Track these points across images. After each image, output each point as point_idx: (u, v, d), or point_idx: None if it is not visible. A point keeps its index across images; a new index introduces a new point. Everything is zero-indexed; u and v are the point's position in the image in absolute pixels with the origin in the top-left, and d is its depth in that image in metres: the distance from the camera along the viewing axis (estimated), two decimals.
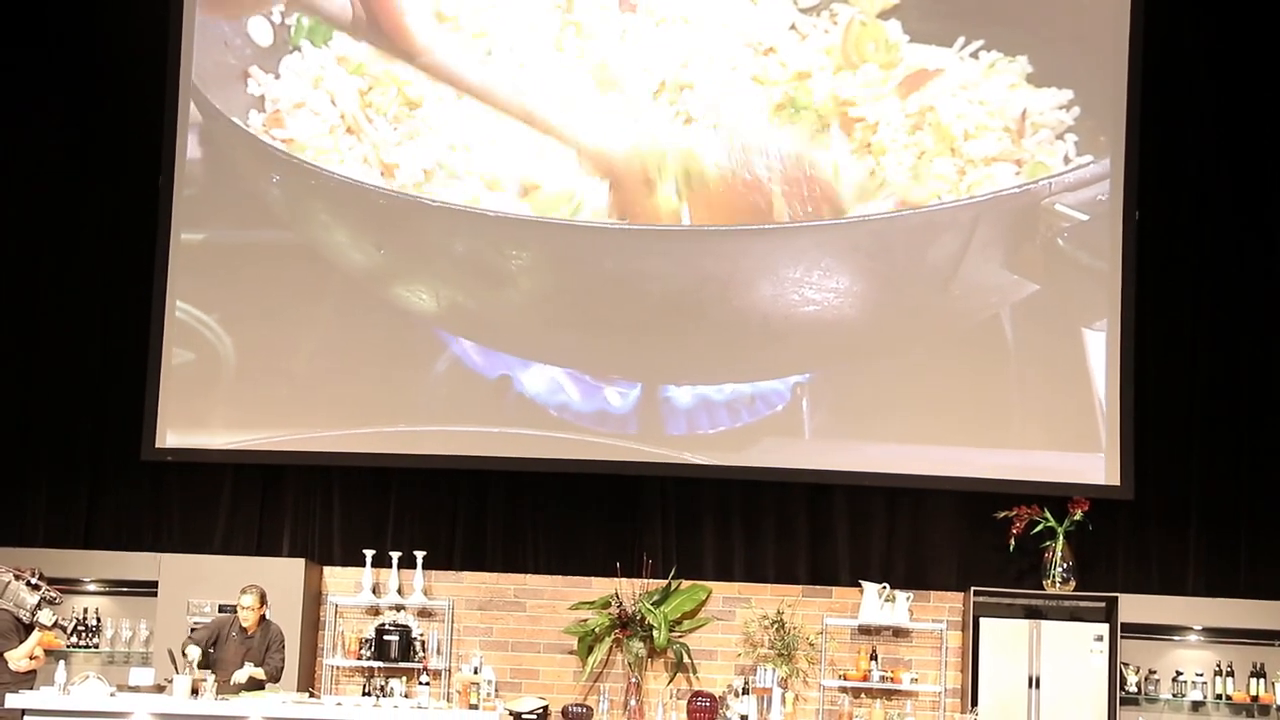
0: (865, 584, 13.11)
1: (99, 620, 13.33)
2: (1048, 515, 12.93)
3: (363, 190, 13.28)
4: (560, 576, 13.39)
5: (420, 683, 12.62)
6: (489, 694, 12.25)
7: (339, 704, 11.36)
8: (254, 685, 11.57)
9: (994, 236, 12.96)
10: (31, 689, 11.17)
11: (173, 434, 13.34)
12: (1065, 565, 12.91)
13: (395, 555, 13.24)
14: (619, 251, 13.18)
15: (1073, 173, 13.01)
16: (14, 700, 10.93)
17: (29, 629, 11.39)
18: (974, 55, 13.07)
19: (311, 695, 11.97)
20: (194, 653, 11.42)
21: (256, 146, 13.42)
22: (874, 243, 12.99)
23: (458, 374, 13.33)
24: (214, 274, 13.45)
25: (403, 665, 13.01)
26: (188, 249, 13.42)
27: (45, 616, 11.33)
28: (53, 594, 11.43)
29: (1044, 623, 12.77)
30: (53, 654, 11.88)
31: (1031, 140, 13.04)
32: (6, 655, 11.36)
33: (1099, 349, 13.01)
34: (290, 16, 13.40)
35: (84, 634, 13.23)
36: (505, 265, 13.21)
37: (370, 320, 13.34)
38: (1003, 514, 12.96)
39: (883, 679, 12.97)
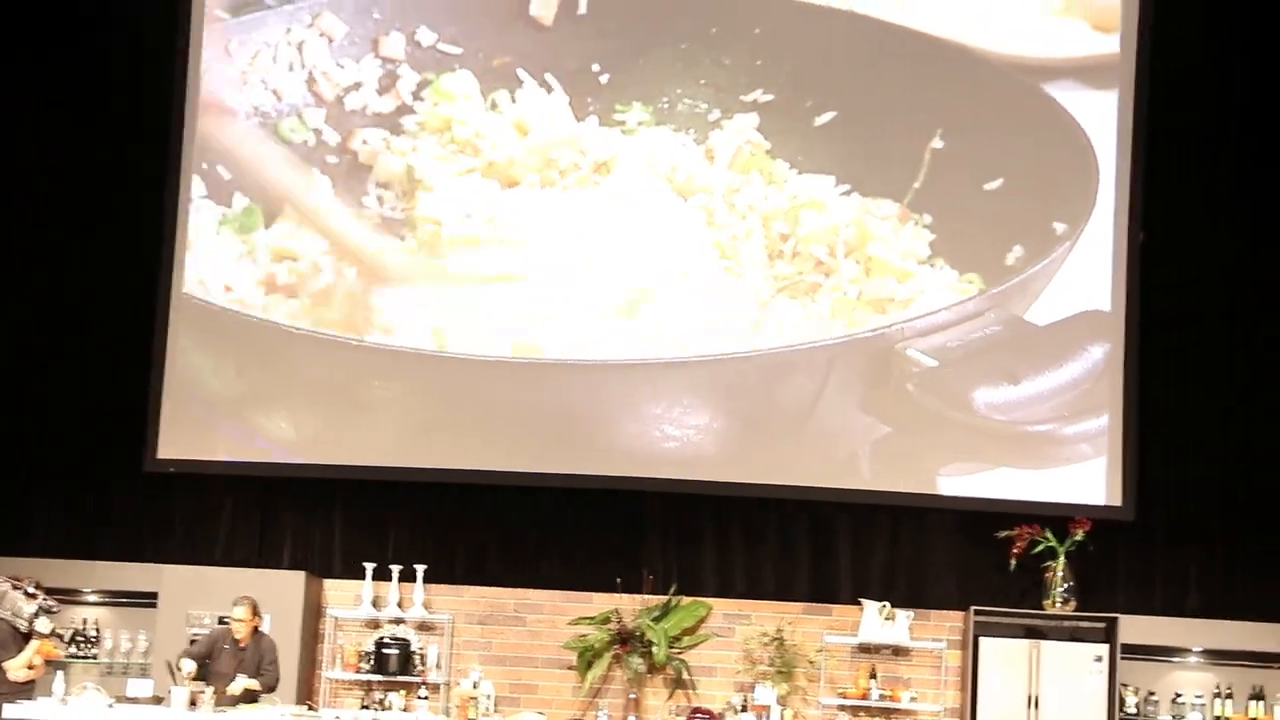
0: (865, 602, 13.09)
1: (98, 631, 13.33)
2: (1049, 535, 12.90)
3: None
4: (560, 591, 13.38)
5: (419, 697, 12.65)
6: (488, 708, 12.26)
7: (337, 717, 11.38)
8: (250, 697, 11.58)
9: (849, 378, 13.01)
10: (30, 699, 11.18)
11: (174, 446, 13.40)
12: (1066, 585, 12.89)
13: (396, 569, 13.24)
14: (486, 382, 13.22)
15: (924, 319, 13.05)
16: (12, 711, 10.93)
17: (27, 638, 11.40)
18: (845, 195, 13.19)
19: (310, 708, 11.97)
20: (188, 665, 11.41)
21: None
22: (733, 380, 13.09)
23: None
24: None
25: (402, 679, 13.00)
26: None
27: (43, 624, 11.35)
28: (50, 603, 11.44)
29: (1044, 643, 12.76)
30: (51, 664, 11.88)
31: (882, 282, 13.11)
32: (5, 665, 11.37)
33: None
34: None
35: (83, 645, 13.23)
36: (367, 394, 13.30)
37: None
38: (1004, 533, 12.94)
39: (882, 697, 12.94)
